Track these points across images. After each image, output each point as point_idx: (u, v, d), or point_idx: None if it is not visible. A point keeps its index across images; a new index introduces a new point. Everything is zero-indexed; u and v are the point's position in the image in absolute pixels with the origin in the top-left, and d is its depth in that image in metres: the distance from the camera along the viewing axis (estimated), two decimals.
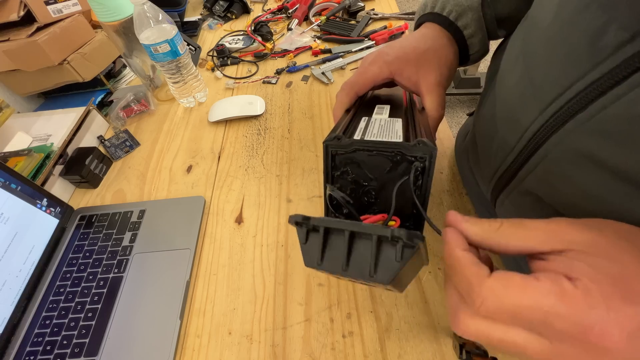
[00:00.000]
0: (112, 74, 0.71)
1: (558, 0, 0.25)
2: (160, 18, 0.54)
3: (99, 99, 0.67)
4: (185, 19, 0.85)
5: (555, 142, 0.26)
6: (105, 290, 0.41)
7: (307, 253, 0.21)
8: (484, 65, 1.87)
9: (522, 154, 0.29)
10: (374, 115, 0.31)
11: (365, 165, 0.26)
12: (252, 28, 0.78)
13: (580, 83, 0.23)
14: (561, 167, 0.26)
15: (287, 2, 0.84)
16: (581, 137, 0.24)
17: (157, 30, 0.54)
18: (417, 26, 0.41)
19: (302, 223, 0.21)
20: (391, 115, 0.31)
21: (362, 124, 0.30)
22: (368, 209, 0.27)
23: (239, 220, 0.47)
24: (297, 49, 0.73)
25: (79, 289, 0.41)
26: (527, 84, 0.28)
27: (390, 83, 0.38)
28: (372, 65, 0.36)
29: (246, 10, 0.88)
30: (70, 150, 0.54)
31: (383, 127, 0.28)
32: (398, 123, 0.29)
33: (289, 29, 0.78)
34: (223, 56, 0.74)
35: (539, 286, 0.17)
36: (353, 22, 0.78)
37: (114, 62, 0.70)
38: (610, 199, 0.23)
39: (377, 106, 0.34)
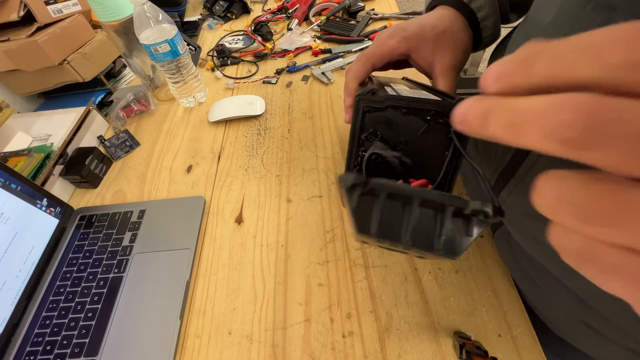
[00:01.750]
0: (112, 74, 0.71)
1: (559, 0, 0.26)
2: (160, 18, 0.54)
3: (99, 99, 0.67)
4: (185, 19, 0.85)
5: None
6: (105, 290, 0.41)
7: (359, 220, 0.19)
8: (483, 65, 1.87)
9: (520, 150, 0.29)
10: (395, 87, 0.30)
11: (396, 126, 0.24)
12: (252, 28, 0.78)
13: None
14: (559, 161, 0.26)
15: (287, 2, 0.84)
16: None
17: (157, 30, 0.54)
18: (428, 10, 0.41)
19: (356, 185, 0.19)
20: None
21: (389, 90, 0.28)
22: (396, 174, 0.25)
23: (239, 220, 0.47)
24: (297, 49, 0.73)
25: (79, 289, 0.41)
26: None
27: (398, 64, 0.38)
28: (391, 39, 0.35)
29: (246, 10, 0.88)
30: (70, 150, 0.54)
31: (412, 93, 0.27)
32: (424, 92, 0.27)
33: (289, 29, 0.78)
34: (223, 56, 0.74)
35: None
36: (353, 22, 0.78)
37: (114, 62, 0.70)
38: None
39: (391, 84, 0.33)
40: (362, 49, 0.70)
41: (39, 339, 0.38)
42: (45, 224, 0.45)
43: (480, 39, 0.38)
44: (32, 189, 0.44)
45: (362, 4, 0.80)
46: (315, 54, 0.72)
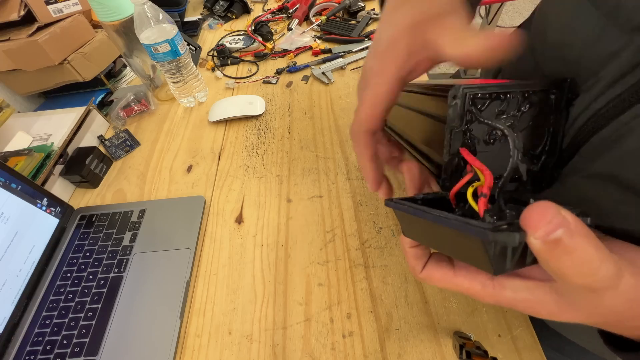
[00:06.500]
0: (113, 73, 0.71)
1: (560, 8, 0.26)
2: (160, 18, 0.54)
3: (99, 98, 0.67)
4: (186, 19, 0.85)
5: None
6: (105, 290, 0.41)
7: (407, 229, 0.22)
8: None
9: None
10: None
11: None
12: (253, 28, 0.78)
13: None
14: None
15: (288, 2, 0.84)
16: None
17: (158, 30, 0.54)
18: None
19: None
20: None
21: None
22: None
23: (239, 220, 0.47)
24: (297, 49, 0.73)
25: (79, 288, 0.41)
26: None
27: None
28: (373, 86, 0.24)
29: (246, 10, 0.88)
30: (70, 150, 0.54)
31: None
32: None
33: (289, 29, 0.78)
34: (223, 56, 0.74)
35: None
36: (353, 22, 0.78)
37: (114, 62, 0.70)
38: (604, 202, 0.23)
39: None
40: (362, 49, 0.70)
41: (39, 339, 0.38)
42: (46, 223, 0.45)
43: None
44: (32, 189, 0.44)
45: (362, 4, 0.80)
46: (316, 54, 0.72)
